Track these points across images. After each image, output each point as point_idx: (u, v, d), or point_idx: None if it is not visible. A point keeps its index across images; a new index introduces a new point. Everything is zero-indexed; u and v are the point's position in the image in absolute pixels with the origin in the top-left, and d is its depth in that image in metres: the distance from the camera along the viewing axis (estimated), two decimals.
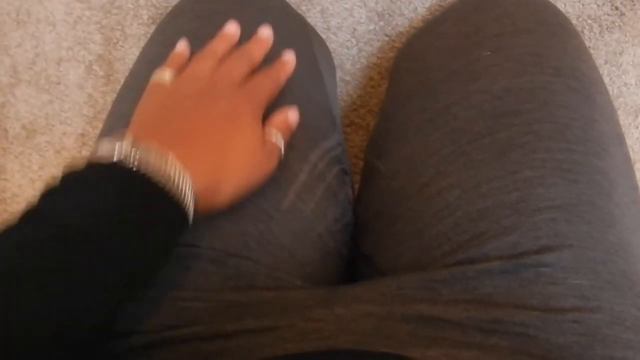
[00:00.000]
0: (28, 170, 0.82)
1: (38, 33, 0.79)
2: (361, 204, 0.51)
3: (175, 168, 0.35)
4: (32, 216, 0.32)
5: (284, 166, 0.44)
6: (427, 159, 0.44)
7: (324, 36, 0.71)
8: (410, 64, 0.54)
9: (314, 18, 0.72)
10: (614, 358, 0.35)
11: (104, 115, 0.80)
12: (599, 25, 0.69)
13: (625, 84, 0.71)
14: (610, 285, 0.37)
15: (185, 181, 0.35)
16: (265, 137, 0.42)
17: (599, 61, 0.70)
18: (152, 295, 0.39)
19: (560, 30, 0.48)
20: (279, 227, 0.43)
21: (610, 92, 0.71)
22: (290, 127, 0.45)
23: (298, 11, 0.57)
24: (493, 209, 0.39)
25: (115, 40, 0.77)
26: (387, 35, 0.72)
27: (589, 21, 0.69)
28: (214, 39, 0.46)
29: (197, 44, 0.46)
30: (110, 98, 0.80)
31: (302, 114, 0.47)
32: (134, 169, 0.34)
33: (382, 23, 0.72)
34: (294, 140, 0.45)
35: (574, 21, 0.69)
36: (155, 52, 0.48)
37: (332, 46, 0.73)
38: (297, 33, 0.52)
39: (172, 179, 0.35)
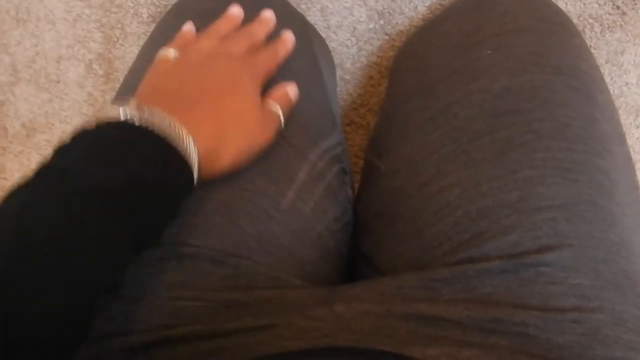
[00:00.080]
0: (28, 169, 0.82)
1: (38, 31, 0.79)
2: (361, 203, 0.51)
3: (179, 130, 0.36)
4: (47, 171, 0.33)
5: (284, 165, 0.44)
6: (428, 157, 0.44)
7: (324, 35, 0.71)
8: (410, 62, 0.54)
9: (314, 17, 0.72)
10: (614, 358, 0.34)
11: None
12: (600, 25, 0.69)
13: (627, 83, 0.71)
14: (611, 285, 0.37)
15: (190, 142, 0.36)
16: (264, 106, 0.43)
17: (600, 60, 0.70)
18: (151, 295, 0.39)
19: (561, 29, 0.48)
20: (278, 227, 0.43)
21: (611, 92, 0.71)
22: (289, 101, 0.45)
23: (298, 10, 0.57)
24: (493, 208, 0.39)
25: (115, 39, 0.77)
26: (387, 34, 0.72)
27: (590, 20, 0.69)
28: (217, 20, 0.47)
29: None
30: (110, 97, 0.80)
31: (302, 113, 0.47)
32: (146, 127, 0.35)
33: (382, 22, 0.72)
34: (293, 139, 0.45)
35: (575, 20, 0.69)
36: (154, 51, 0.48)
37: (332, 45, 0.73)
38: (297, 32, 0.51)
39: (178, 138, 0.35)
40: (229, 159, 0.40)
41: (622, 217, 0.40)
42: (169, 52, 0.44)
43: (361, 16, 0.72)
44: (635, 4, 0.68)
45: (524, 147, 0.41)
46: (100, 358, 0.37)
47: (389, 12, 0.71)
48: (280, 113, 0.44)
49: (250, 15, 0.48)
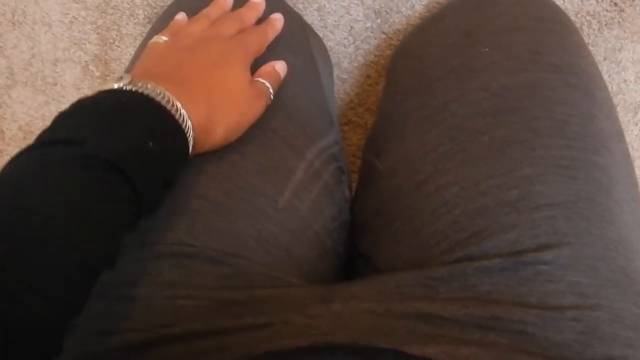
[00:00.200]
0: None
1: (34, 34, 0.78)
2: (359, 202, 0.51)
3: (174, 102, 0.36)
4: (48, 138, 0.33)
5: (281, 164, 0.44)
6: (425, 156, 0.44)
7: (321, 34, 0.71)
8: (408, 61, 0.54)
9: (311, 16, 0.72)
10: (613, 356, 0.34)
11: None
12: (598, 22, 0.69)
13: (625, 80, 0.71)
14: (609, 283, 0.37)
15: (184, 114, 0.37)
16: (254, 82, 0.44)
17: (598, 58, 0.70)
18: (148, 294, 0.39)
19: (559, 27, 0.48)
20: (275, 226, 0.42)
21: (610, 89, 0.71)
22: (277, 76, 0.46)
23: (295, 9, 0.57)
24: (492, 206, 0.39)
25: (112, 41, 0.77)
26: (384, 33, 0.72)
27: (588, 17, 0.69)
28: (207, 6, 0.48)
29: None
30: None
31: (299, 112, 0.47)
32: (142, 94, 0.35)
33: (379, 21, 0.72)
34: (290, 138, 0.45)
35: (572, 17, 0.69)
36: None
37: (329, 44, 0.72)
38: (294, 31, 0.51)
39: (173, 110, 0.36)
40: (220, 133, 0.40)
41: (620, 214, 0.40)
42: (161, 39, 0.45)
43: (358, 15, 0.72)
44: (633, 1, 0.68)
45: (522, 145, 0.41)
46: (97, 357, 0.37)
47: (386, 11, 0.71)
48: (269, 86, 0.44)
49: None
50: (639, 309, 0.37)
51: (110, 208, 0.32)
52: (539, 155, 0.40)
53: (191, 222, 0.40)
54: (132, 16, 0.76)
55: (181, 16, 0.48)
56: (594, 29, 0.69)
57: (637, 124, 0.72)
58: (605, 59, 0.70)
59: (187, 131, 0.37)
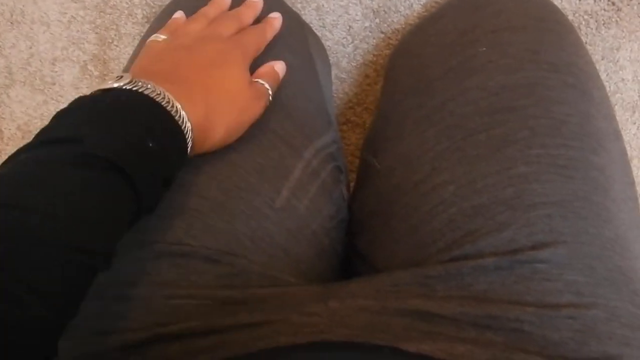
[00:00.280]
0: None
1: (32, 33, 0.78)
2: (357, 202, 0.51)
3: (173, 101, 0.36)
4: (46, 136, 0.33)
5: (278, 163, 0.44)
6: (423, 155, 0.44)
7: (319, 34, 0.71)
8: (406, 61, 0.54)
9: (309, 15, 0.72)
10: (609, 354, 0.34)
11: None
12: (596, 21, 0.69)
13: (622, 79, 0.71)
14: (606, 281, 0.37)
15: (183, 114, 0.37)
16: (252, 82, 0.44)
17: (596, 57, 0.70)
18: (147, 294, 0.39)
19: (556, 26, 0.48)
20: (272, 225, 0.43)
21: (607, 88, 0.71)
22: (276, 76, 0.46)
23: (293, 9, 0.57)
24: (488, 205, 0.39)
25: (110, 40, 0.77)
26: (383, 33, 0.72)
27: (586, 17, 0.69)
28: (206, 5, 0.48)
29: None
30: None
31: (297, 112, 0.47)
32: (142, 93, 0.35)
33: (377, 20, 0.72)
34: (288, 137, 0.45)
35: (570, 17, 0.69)
36: None
37: (327, 44, 0.72)
38: (293, 31, 0.52)
39: (172, 110, 0.36)
40: (220, 133, 0.40)
41: (617, 213, 0.40)
42: (159, 38, 0.45)
43: (357, 15, 0.72)
44: (631, 0, 0.68)
45: (519, 144, 0.41)
46: (96, 357, 0.37)
47: (384, 11, 0.71)
48: (269, 87, 0.44)
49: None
50: (635, 308, 0.37)
51: (110, 207, 0.32)
52: (536, 154, 0.40)
53: (190, 222, 0.40)
54: (131, 16, 0.76)
55: (179, 15, 0.48)
56: (592, 28, 0.70)
57: (635, 123, 0.72)
58: (603, 58, 0.70)
59: (187, 132, 0.37)
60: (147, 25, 0.74)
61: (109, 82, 0.36)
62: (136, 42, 0.76)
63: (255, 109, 0.43)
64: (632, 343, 0.35)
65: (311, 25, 0.67)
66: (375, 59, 0.73)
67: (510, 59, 0.45)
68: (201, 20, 0.46)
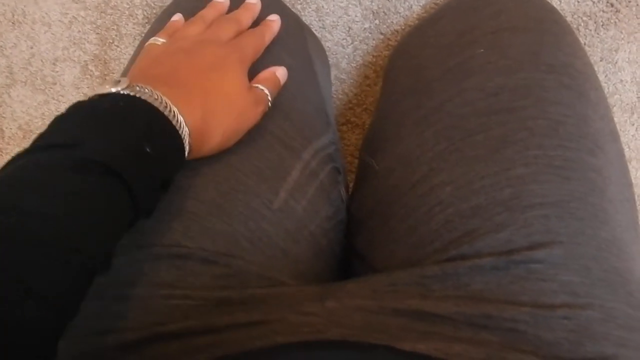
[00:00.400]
0: None
1: (33, 33, 0.79)
2: (356, 202, 0.51)
3: (170, 106, 0.36)
4: (44, 141, 0.33)
5: (276, 164, 0.44)
6: (421, 156, 0.44)
7: (319, 35, 0.71)
8: (405, 62, 0.54)
9: (309, 17, 0.72)
10: (604, 354, 0.34)
11: None
12: (594, 22, 0.69)
13: (621, 80, 0.71)
14: (602, 282, 0.37)
15: (180, 119, 0.37)
16: (252, 87, 0.44)
17: (594, 58, 0.70)
18: (145, 294, 0.39)
19: (555, 27, 0.48)
20: (271, 226, 0.43)
21: (606, 89, 0.71)
22: (276, 81, 0.46)
23: (293, 10, 0.57)
24: (485, 205, 0.39)
25: (111, 40, 0.77)
26: (382, 34, 0.72)
27: (584, 18, 0.69)
28: (204, 8, 0.48)
29: None
30: None
31: (295, 113, 0.47)
32: (139, 98, 0.35)
33: (377, 21, 0.72)
34: (287, 138, 0.45)
35: (569, 18, 0.69)
36: None
37: (327, 45, 0.73)
38: (292, 32, 0.52)
39: (170, 114, 0.36)
40: (217, 138, 0.40)
41: (614, 214, 0.40)
42: (158, 41, 0.45)
43: (356, 16, 0.72)
44: (629, 2, 0.68)
45: (517, 145, 0.41)
46: (94, 357, 0.37)
47: (384, 12, 0.72)
48: (268, 93, 0.44)
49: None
50: (631, 309, 0.37)
51: (108, 211, 0.32)
52: (533, 155, 0.40)
53: (188, 224, 0.40)
54: (132, 16, 0.76)
55: (178, 17, 0.48)
56: (591, 30, 0.70)
57: (633, 124, 0.73)
58: (601, 60, 0.71)
59: (184, 136, 0.37)
60: (148, 26, 0.75)
61: (107, 86, 0.36)
62: (137, 42, 0.77)
63: (253, 114, 0.43)
64: (628, 344, 0.35)
65: (311, 26, 0.67)
66: (374, 60, 0.73)
67: (508, 60, 0.45)
68: (200, 24, 0.46)
